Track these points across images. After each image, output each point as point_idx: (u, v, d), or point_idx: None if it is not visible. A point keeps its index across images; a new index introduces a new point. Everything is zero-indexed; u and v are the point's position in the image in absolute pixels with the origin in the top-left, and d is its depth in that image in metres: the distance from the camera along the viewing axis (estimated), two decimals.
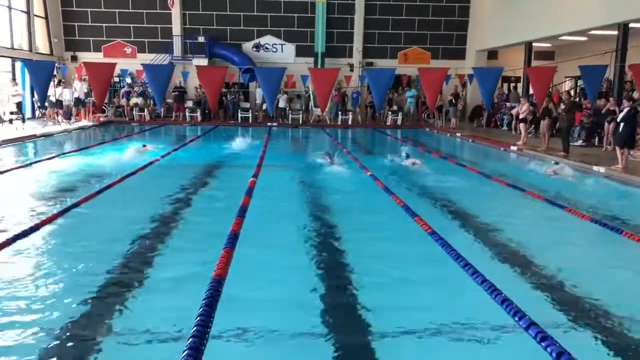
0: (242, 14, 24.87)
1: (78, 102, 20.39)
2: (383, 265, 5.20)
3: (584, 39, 20.54)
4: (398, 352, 3.60)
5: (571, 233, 6.73)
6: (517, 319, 3.61)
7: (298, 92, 24.43)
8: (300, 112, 23.43)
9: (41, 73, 15.23)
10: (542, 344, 3.25)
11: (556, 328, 3.81)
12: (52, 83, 18.03)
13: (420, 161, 11.66)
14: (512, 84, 25.97)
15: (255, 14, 24.91)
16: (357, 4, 24.80)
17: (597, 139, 15.41)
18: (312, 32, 25.02)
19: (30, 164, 10.72)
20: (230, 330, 3.69)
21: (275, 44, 25.31)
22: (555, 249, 6.00)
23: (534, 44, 21.12)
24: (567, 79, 24.45)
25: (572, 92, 20.13)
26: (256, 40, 25.17)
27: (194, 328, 3.25)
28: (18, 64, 20.52)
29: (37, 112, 21.86)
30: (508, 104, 21.93)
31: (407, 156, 12.07)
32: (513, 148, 14.76)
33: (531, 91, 18.32)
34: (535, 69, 17.53)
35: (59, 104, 20.06)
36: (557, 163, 11.43)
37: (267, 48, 25.28)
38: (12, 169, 10.01)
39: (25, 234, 5.64)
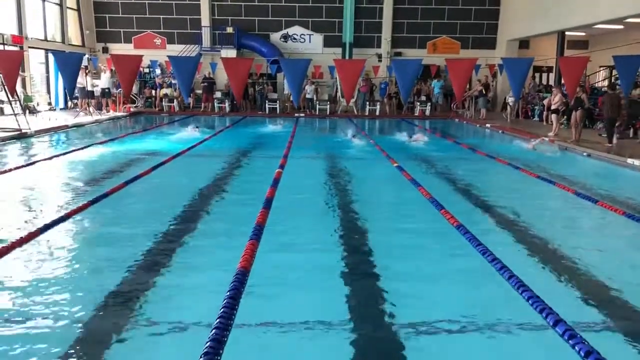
0: (270, 4, 24.88)
1: (104, 93, 20.69)
2: (408, 257, 5.17)
3: (620, 27, 19.94)
4: (421, 346, 3.57)
5: (604, 228, 6.57)
6: (544, 315, 3.54)
7: (325, 82, 24.37)
8: (328, 102, 23.36)
9: (69, 64, 15.49)
10: (570, 342, 3.17)
11: (585, 326, 3.73)
12: (82, 74, 18.31)
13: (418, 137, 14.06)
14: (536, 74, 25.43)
15: (283, 4, 24.90)
16: None
17: (632, 130, 14.99)
18: (340, 22, 24.90)
19: (64, 153, 10.94)
20: (253, 322, 3.71)
21: (303, 35, 25.27)
22: (587, 245, 5.86)
23: (567, 33, 20.59)
24: (602, 68, 23.81)
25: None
26: (284, 31, 25.18)
27: (217, 320, 3.27)
28: (51, 56, 20.93)
29: (69, 103, 22.29)
30: (540, 95, 21.51)
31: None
32: (544, 139, 14.45)
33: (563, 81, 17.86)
34: (567, 59, 17.09)
35: (90, 94, 20.40)
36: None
37: (295, 38, 25.26)
38: (45, 159, 10.23)
39: (55, 224, 5.76)
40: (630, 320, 3.98)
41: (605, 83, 23.45)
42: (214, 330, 3.14)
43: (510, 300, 3.98)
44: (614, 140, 13.06)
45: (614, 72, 19.53)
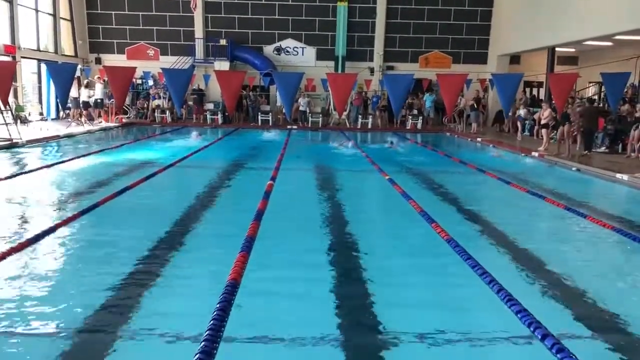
0: (263, 17, 25.01)
1: (96, 104, 20.62)
2: (399, 270, 5.19)
3: (609, 44, 20.22)
4: (410, 358, 3.58)
5: (593, 242, 6.60)
6: (532, 329, 3.56)
7: (319, 95, 24.51)
8: (320, 115, 23.48)
9: (62, 75, 15.50)
10: (558, 355, 3.20)
11: (573, 339, 3.75)
12: (74, 85, 18.30)
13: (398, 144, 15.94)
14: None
15: (276, 17, 25.04)
16: (379, 7, 24.79)
17: (620, 145, 15.14)
18: (333, 35, 25.06)
19: (55, 163, 10.90)
20: (242, 334, 3.70)
21: (296, 47, 25.40)
22: (576, 258, 5.91)
23: (557, 49, 20.85)
24: (591, 84, 24.10)
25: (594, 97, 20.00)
26: (277, 44, 25.29)
27: (207, 332, 3.27)
28: (43, 66, 20.90)
29: (60, 113, 22.22)
30: (531, 109, 21.68)
31: (392, 143, 15.81)
32: (534, 154, 14.58)
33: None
34: (556, 76, 17.30)
35: (84, 105, 20.34)
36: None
37: (288, 51, 25.39)
38: (37, 169, 10.20)
39: (45, 234, 5.74)
40: (618, 333, 4.00)
41: (595, 98, 23.80)
42: (203, 342, 3.14)
43: (499, 313, 4.00)
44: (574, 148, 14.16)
45: (603, 87, 19.77)
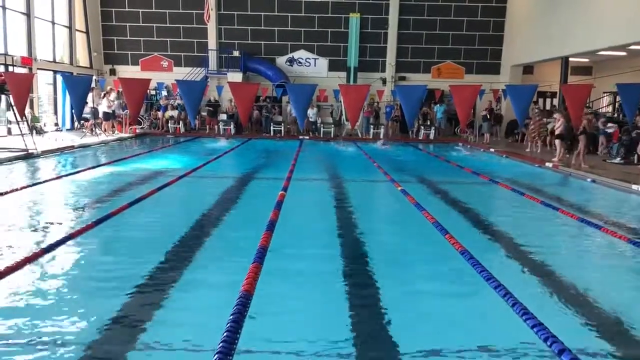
0: (276, 29, 25.19)
1: (108, 115, 20.75)
2: (413, 283, 5.14)
3: (623, 54, 20.09)
4: None
5: (609, 255, 6.52)
6: (548, 344, 3.51)
7: (330, 105, 24.58)
8: (332, 125, 23.54)
9: (78, 87, 15.72)
10: None
11: (590, 355, 3.70)
12: (90, 96, 18.54)
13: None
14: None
15: (289, 29, 25.21)
16: (391, 18, 24.88)
17: (636, 156, 14.98)
18: (345, 46, 25.17)
19: (70, 174, 11.00)
20: (256, 347, 3.69)
21: (309, 59, 25.53)
22: (593, 272, 5.83)
23: (571, 59, 20.74)
24: (605, 94, 23.93)
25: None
26: (290, 55, 25.45)
27: (220, 344, 3.26)
28: (59, 77, 21.17)
29: (75, 124, 22.47)
30: (544, 120, 21.53)
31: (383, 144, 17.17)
32: (548, 164, 14.46)
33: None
34: (570, 87, 17.19)
35: (105, 115, 20.54)
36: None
37: (300, 62, 25.53)
38: (51, 179, 10.29)
39: (58, 245, 5.77)
40: (635, 348, 3.93)
41: (610, 109, 23.66)
42: (216, 355, 3.13)
43: (514, 327, 3.95)
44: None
45: (618, 98, 19.62)
